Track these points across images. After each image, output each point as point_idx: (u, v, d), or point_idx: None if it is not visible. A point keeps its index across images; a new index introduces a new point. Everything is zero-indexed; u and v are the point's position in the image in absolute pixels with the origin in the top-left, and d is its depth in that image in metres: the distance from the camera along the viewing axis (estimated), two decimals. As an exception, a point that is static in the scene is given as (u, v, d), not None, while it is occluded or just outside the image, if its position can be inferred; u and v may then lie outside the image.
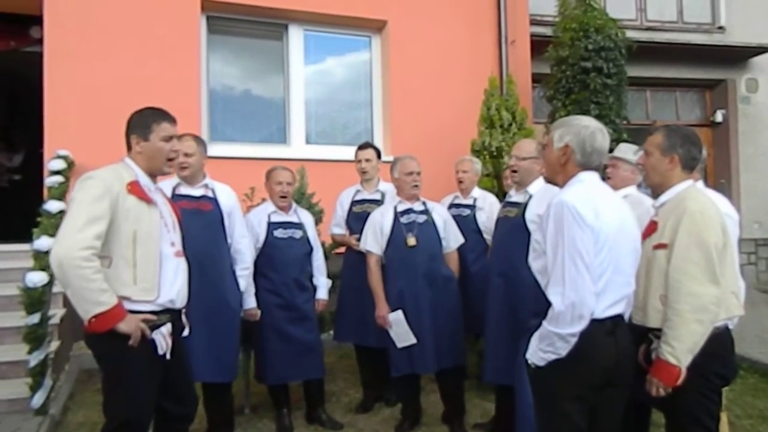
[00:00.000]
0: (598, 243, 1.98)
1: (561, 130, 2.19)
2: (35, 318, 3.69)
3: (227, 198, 3.44)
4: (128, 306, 2.28)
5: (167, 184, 3.29)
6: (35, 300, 3.60)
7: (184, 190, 3.32)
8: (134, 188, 2.36)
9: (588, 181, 2.13)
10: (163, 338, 2.38)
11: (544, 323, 2.02)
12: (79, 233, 2.19)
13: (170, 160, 2.52)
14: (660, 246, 2.22)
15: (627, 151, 3.37)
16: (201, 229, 3.22)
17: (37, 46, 5.54)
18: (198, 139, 3.38)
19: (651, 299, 2.25)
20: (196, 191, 3.33)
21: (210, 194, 3.37)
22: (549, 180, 2.36)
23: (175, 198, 3.24)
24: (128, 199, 2.33)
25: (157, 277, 2.36)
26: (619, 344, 2.05)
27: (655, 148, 2.34)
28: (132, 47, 5.40)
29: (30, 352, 3.69)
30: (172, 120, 2.51)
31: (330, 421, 3.79)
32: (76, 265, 2.14)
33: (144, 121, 2.45)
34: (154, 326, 2.36)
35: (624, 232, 2.08)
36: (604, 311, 2.01)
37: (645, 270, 2.27)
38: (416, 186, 3.65)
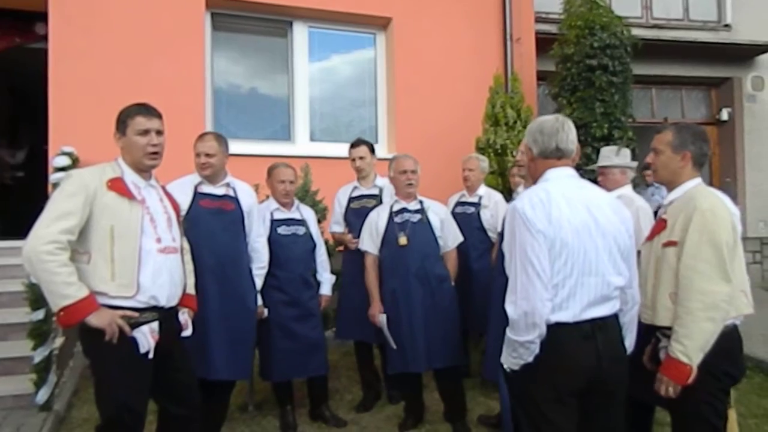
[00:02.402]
0: (555, 248, 1.94)
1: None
2: (40, 314, 3.71)
3: (248, 197, 3.42)
4: (106, 302, 2.26)
5: (188, 181, 3.28)
6: (40, 296, 3.58)
7: (206, 188, 3.29)
8: (115, 184, 2.36)
9: (554, 179, 2.08)
10: (144, 336, 2.33)
11: (507, 330, 2.01)
12: (45, 228, 2.21)
13: (153, 153, 2.46)
14: (670, 243, 2.21)
15: (609, 156, 3.43)
16: (223, 228, 3.22)
17: (42, 43, 5.53)
18: (219, 138, 3.32)
19: (660, 297, 2.23)
20: (218, 190, 3.31)
21: (231, 193, 3.34)
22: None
23: (197, 196, 3.23)
24: (107, 195, 2.33)
25: (135, 273, 2.32)
26: (602, 348, 1.98)
27: (666, 146, 2.33)
28: (136, 43, 5.40)
29: (34, 348, 3.71)
30: (149, 114, 2.46)
31: (333, 419, 3.79)
32: (40, 259, 2.16)
33: (121, 117, 2.47)
34: (136, 324, 2.32)
35: (594, 230, 1.99)
36: (578, 315, 1.96)
37: (654, 268, 2.25)
38: (410, 184, 3.60)
